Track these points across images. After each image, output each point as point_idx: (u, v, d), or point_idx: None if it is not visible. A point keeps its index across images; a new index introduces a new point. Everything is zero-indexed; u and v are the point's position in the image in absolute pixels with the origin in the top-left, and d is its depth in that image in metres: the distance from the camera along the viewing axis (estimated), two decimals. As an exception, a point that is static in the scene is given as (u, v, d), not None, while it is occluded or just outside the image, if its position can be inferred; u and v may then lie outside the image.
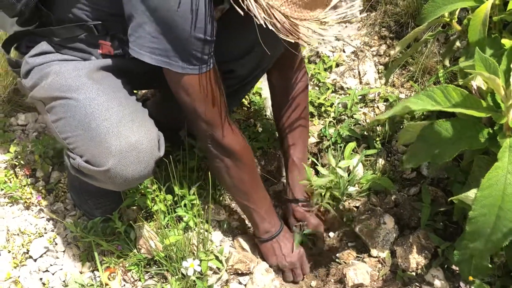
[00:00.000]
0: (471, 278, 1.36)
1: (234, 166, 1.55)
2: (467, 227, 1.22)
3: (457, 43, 1.84)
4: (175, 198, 1.70)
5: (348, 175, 1.79)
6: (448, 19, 1.61)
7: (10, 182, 1.81)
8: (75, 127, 1.36)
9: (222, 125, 1.47)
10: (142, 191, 1.72)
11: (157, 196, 1.69)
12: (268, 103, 2.00)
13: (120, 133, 1.31)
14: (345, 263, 1.70)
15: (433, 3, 1.56)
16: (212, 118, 1.45)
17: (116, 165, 1.31)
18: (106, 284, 1.58)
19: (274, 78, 1.79)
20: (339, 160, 1.76)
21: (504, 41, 1.43)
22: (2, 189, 1.79)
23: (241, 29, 1.54)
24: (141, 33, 1.28)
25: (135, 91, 1.65)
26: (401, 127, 2.00)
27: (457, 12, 1.62)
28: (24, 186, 1.81)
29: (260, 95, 2.19)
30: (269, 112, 2.14)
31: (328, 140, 2.02)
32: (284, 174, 1.94)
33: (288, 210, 1.80)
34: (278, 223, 1.69)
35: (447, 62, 1.88)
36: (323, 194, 1.72)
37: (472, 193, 1.22)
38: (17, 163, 1.86)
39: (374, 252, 1.68)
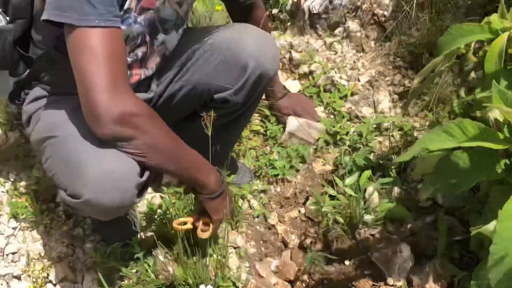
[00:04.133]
0: (488, 308, 1.37)
1: (151, 132, 1.34)
2: (489, 262, 1.21)
3: (472, 74, 1.86)
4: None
5: (364, 203, 1.81)
6: (464, 51, 1.64)
7: (31, 207, 1.84)
8: (58, 163, 1.39)
9: (124, 90, 1.30)
10: (161, 217, 1.74)
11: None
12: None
13: (95, 163, 1.30)
14: (361, 291, 1.71)
15: (450, 35, 1.59)
16: (111, 81, 1.28)
17: (94, 195, 1.30)
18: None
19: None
20: (355, 188, 1.78)
21: (520, 73, 1.46)
22: (22, 214, 1.82)
23: (231, 55, 1.57)
24: None
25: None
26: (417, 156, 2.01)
27: (473, 44, 1.66)
28: (45, 211, 1.84)
29: (277, 121, 2.23)
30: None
31: (343, 168, 2.04)
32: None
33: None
34: (219, 174, 1.55)
35: (462, 93, 1.91)
36: (333, 218, 1.73)
37: (491, 225, 1.23)
38: (37, 188, 1.90)
39: (390, 280, 1.68)
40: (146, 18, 1.47)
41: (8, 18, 1.51)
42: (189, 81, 1.66)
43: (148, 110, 1.35)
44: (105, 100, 1.26)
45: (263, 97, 2.12)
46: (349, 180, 1.89)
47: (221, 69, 1.60)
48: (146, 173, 1.38)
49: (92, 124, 1.29)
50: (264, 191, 2.04)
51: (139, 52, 1.53)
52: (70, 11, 1.25)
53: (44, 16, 1.29)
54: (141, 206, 1.89)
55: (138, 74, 1.58)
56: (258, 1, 1.92)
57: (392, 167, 1.99)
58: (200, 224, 1.57)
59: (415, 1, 2.24)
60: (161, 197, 1.95)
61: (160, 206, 1.85)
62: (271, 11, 2.84)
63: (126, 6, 1.38)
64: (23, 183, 1.92)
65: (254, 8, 1.90)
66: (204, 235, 1.56)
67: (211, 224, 1.58)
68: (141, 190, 1.39)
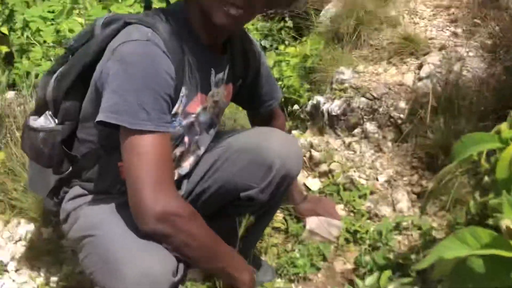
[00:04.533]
0: None
1: (191, 234, 1.45)
2: None
3: (486, 178, 1.94)
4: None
5: (385, 303, 1.84)
6: (476, 158, 1.73)
7: (61, 302, 1.91)
8: (96, 262, 1.47)
9: (169, 192, 1.43)
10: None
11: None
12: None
13: (133, 262, 1.37)
14: None
15: (462, 144, 1.68)
16: (157, 184, 1.40)
17: None
18: None
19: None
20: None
21: (530, 181, 1.53)
22: (52, 309, 1.89)
23: (257, 156, 1.68)
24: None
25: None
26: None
27: (484, 151, 1.74)
28: (74, 306, 1.90)
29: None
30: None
31: (363, 267, 2.08)
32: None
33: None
34: (254, 274, 1.64)
35: (477, 195, 1.97)
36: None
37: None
38: (67, 285, 1.97)
39: None
40: (188, 121, 1.60)
41: (57, 120, 1.64)
42: (217, 180, 1.76)
43: (190, 210, 1.46)
44: (150, 199, 1.38)
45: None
46: (369, 280, 1.93)
47: (248, 169, 1.70)
48: (180, 272, 1.45)
49: (137, 220, 1.41)
50: (286, 289, 2.08)
51: (177, 152, 1.65)
52: (126, 115, 1.38)
53: (100, 118, 1.41)
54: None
55: (175, 173, 1.68)
56: (278, 110, 2.06)
57: (412, 267, 2.03)
58: None
59: (429, 106, 2.36)
60: (186, 294, 2.00)
61: (184, 304, 1.90)
62: (292, 108, 2.98)
63: (173, 111, 1.52)
64: (53, 279, 2.00)
65: (274, 116, 2.03)
66: None
67: None
68: None
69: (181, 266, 1.48)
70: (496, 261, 1.40)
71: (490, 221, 1.50)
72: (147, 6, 1.61)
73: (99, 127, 1.45)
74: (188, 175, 1.77)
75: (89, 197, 1.63)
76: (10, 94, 3.23)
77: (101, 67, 1.48)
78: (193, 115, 1.63)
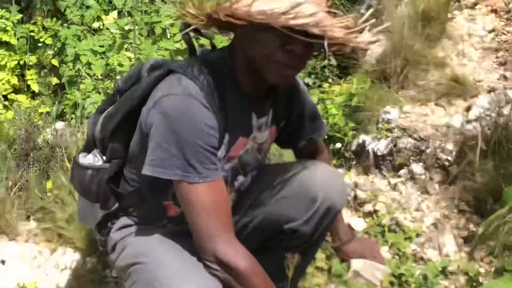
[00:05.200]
0: None
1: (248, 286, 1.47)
2: None
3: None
4: None
5: None
6: (529, 204, 1.70)
7: (104, 333, 1.92)
8: (143, 287, 1.50)
9: (225, 241, 1.46)
10: None
11: None
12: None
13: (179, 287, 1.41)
14: None
15: (514, 189, 1.66)
16: (214, 232, 1.45)
17: None
18: None
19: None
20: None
21: None
22: (96, 338, 1.90)
23: (300, 188, 1.68)
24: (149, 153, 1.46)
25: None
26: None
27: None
28: (117, 338, 1.91)
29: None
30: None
31: (409, 312, 2.05)
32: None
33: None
34: None
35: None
36: None
37: None
38: (111, 316, 1.99)
39: None
40: (231, 165, 1.62)
41: (104, 157, 1.69)
42: (260, 212, 1.77)
43: (248, 263, 1.47)
44: (211, 247, 1.44)
45: (329, 238, 2.19)
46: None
47: (291, 201, 1.71)
48: None
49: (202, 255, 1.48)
50: (328, 330, 2.05)
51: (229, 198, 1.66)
52: (175, 169, 1.43)
53: (145, 171, 1.46)
54: None
55: None
56: (321, 143, 2.05)
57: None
58: None
59: (478, 149, 2.33)
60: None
61: None
62: (334, 146, 2.97)
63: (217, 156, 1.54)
64: (97, 309, 2.02)
65: (318, 150, 2.02)
66: None
67: None
68: None
69: None
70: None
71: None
72: (191, 51, 1.63)
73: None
74: (232, 209, 1.78)
75: (137, 227, 1.67)
76: (60, 124, 3.33)
77: (145, 111, 1.52)
78: (236, 159, 1.65)
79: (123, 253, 1.64)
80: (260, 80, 1.53)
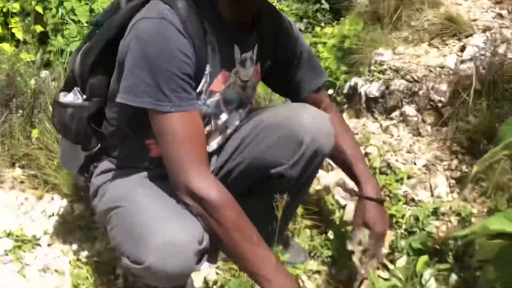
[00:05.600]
0: None
1: (219, 223, 1.43)
2: None
3: (532, 163, 1.86)
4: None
5: (421, 289, 1.79)
6: (523, 141, 1.65)
7: (92, 278, 1.89)
8: (123, 231, 1.47)
9: (198, 173, 1.43)
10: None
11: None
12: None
13: (158, 231, 1.37)
14: None
15: (508, 126, 1.61)
16: (186, 164, 1.42)
17: (155, 262, 1.36)
18: None
19: None
20: (411, 273, 1.77)
21: None
22: (83, 285, 1.87)
23: (287, 131, 1.63)
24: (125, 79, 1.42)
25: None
26: (474, 243, 1.99)
27: (532, 134, 1.67)
28: (105, 283, 1.89)
29: (336, 204, 2.24)
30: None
31: (399, 252, 2.03)
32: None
33: (359, 207, 1.81)
34: (288, 284, 1.48)
35: (521, 180, 1.90)
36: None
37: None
38: (99, 260, 1.96)
39: None
40: (213, 100, 1.56)
41: (84, 96, 1.63)
42: (246, 156, 1.72)
43: (222, 196, 1.44)
44: (184, 180, 1.41)
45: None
46: (400, 262, 1.88)
47: (277, 145, 1.66)
48: (205, 240, 1.43)
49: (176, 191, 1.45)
50: (318, 272, 2.04)
51: (205, 131, 1.61)
52: (143, 97, 1.39)
53: (118, 99, 1.42)
54: (197, 282, 1.92)
55: None
56: (324, 98, 1.89)
57: (450, 253, 1.97)
58: None
59: (472, 89, 2.27)
60: (217, 273, 1.97)
61: (215, 282, 1.87)
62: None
63: (198, 90, 1.49)
64: (85, 254, 1.99)
65: (321, 106, 1.84)
66: None
67: None
68: (200, 258, 1.44)
69: (207, 235, 1.45)
70: (545, 246, 1.34)
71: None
72: None
73: (123, 105, 1.45)
74: (217, 152, 1.74)
75: (118, 172, 1.63)
76: (45, 72, 3.25)
77: (123, 42, 1.46)
78: (218, 94, 1.59)
79: (104, 197, 1.60)
80: (237, 3, 1.49)
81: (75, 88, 1.64)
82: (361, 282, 1.81)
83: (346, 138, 1.86)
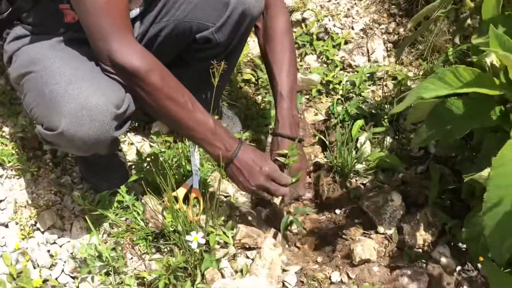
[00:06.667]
0: (481, 258, 1.37)
1: (147, 92, 1.36)
2: (482, 209, 1.19)
3: (469, 21, 1.82)
4: (183, 172, 1.71)
5: (356, 152, 1.79)
6: (460, -3, 1.60)
7: (18, 154, 1.81)
8: (35, 97, 1.37)
9: (120, 40, 1.33)
10: (151, 165, 1.72)
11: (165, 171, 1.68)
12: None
13: (70, 94, 1.29)
14: (352, 239, 1.70)
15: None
16: (107, 31, 1.32)
17: (69, 126, 1.29)
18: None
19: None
20: (347, 138, 1.77)
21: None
22: (9, 162, 1.79)
23: None
24: None
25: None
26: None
27: (470, -10, 1.61)
28: (31, 158, 1.81)
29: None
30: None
31: (335, 118, 2.02)
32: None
33: (273, 143, 1.70)
34: (232, 143, 1.47)
35: (457, 40, 1.87)
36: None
37: (485, 172, 1.21)
38: (24, 136, 1.86)
39: (381, 229, 1.68)
40: None
41: None
42: (170, 21, 1.62)
43: (146, 62, 1.35)
44: (105, 49, 1.32)
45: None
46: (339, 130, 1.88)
47: (202, 6, 1.57)
48: (124, 106, 1.35)
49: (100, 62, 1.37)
50: (255, 141, 2.02)
51: None
52: None
53: None
54: (130, 154, 1.87)
55: None
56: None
57: (385, 117, 1.97)
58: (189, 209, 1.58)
59: None
60: (150, 146, 1.92)
61: (149, 155, 1.82)
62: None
63: None
64: (9, 130, 1.89)
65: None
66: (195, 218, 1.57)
67: (200, 200, 1.61)
68: (120, 124, 1.37)
69: (128, 97, 1.37)
70: (476, 101, 1.33)
71: (473, 58, 1.40)
72: None
73: None
74: (140, 18, 1.62)
75: (31, 37, 1.50)
76: None
77: None
78: None
79: (15, 63, 1.48)
80: None
81: None
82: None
83: (282, 49, 1.72)
